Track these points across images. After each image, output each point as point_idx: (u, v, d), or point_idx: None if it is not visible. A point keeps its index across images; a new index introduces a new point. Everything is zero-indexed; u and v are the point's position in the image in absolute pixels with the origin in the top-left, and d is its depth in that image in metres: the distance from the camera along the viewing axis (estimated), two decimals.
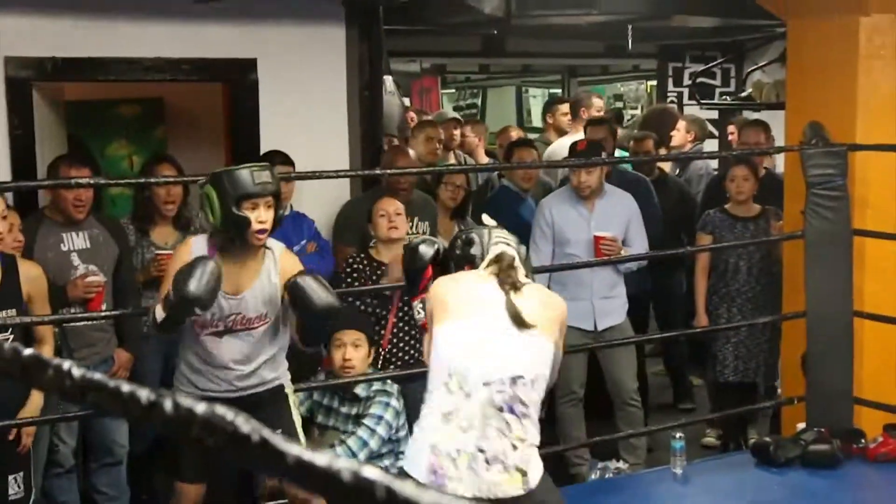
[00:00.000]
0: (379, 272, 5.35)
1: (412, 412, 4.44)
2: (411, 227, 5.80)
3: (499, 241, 3.43)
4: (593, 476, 5.45)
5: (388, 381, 4.86)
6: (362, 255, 5.42)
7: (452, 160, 7.68)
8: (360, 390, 4.77)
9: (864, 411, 5.28)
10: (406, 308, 5.21)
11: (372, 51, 6.25)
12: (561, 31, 8.56)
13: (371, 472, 0.70)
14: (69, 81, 6.25)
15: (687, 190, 7.36)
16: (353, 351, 4.73)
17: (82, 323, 4.97)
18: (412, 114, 8.99)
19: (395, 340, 5.31)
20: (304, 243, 5.59)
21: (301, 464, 0.71)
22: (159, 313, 3.84)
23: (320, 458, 0.71)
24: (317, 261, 5.56)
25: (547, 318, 3.31)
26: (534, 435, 3.22)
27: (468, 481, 3.10)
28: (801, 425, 5.22)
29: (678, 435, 5.42)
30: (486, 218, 3.61)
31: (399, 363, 5.29)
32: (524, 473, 3.16)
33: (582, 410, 5.92)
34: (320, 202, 5.91)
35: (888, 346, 5.35)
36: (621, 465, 5.80)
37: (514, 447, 3.16)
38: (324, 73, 6.07)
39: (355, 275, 5.35)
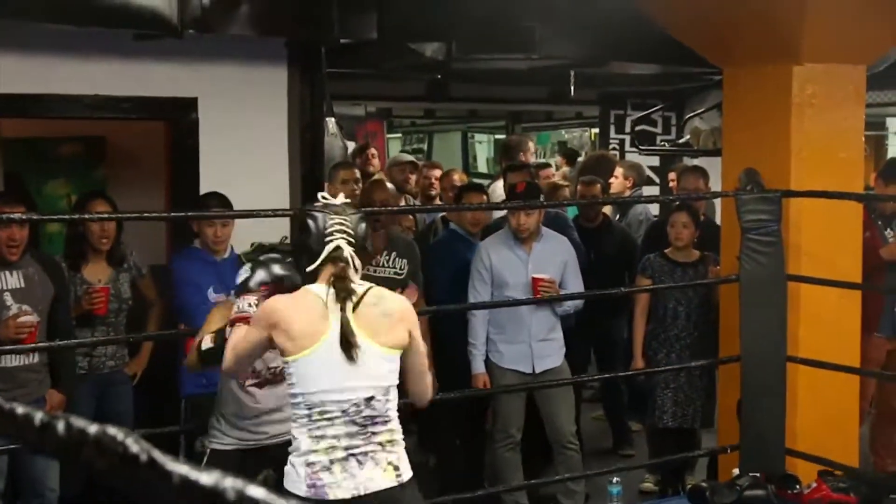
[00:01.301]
0: None
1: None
2: (389, 263, 5.82)
3: (335, 228, 3.47)
4: None
5: None
6: None
7: (403, 203, 7.70)
8: None
9: (798, 460, 5.33)
10: None
11: (314, 92, 6.27)
12: (503, 76, 8.64)
13: (256, 492, 0.70)
14: (6, 118, 6.20)
15: (630, 235, 7.43)
16: None
17: (14, 363, 4.90)
18: (373, 150, 9.02)
19: None
20: None
21: (187, 483, 0.71)
22: (207, 343, 3.82)
23: (206, 478, 0.71)
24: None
25: (388, 328, 3.44)
26: (398, 434, 3.48)
27: (345, 484, 3.33)
28: (736, 471, 5.26)
29: (615, 480, 5.44)
30: (326, 196, 3.61)
31: None
32: (396, 468, 3.42)
33: (519, 455, 5.92)
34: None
35: (823, 391, 5.42)
36: None
37: (382, 446, 3.41)
38: (265, 113, 6.07)
39: None
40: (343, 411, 3.37)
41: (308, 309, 3.39)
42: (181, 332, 5.38)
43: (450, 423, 6.32)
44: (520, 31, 6.55)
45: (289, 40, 6.04)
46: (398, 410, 3.50)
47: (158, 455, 0.74)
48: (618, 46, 6.94)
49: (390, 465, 3.41)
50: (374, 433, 3.40)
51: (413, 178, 8.12)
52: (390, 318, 3.46)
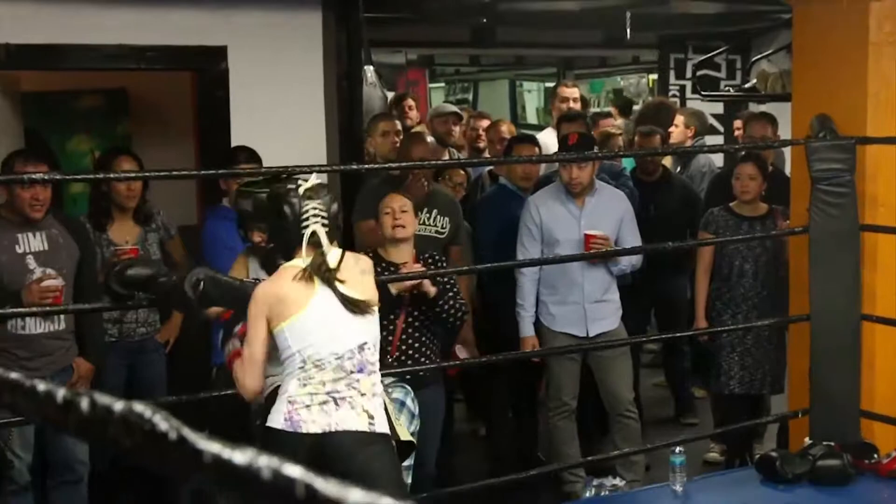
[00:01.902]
0: (389, 274, 5.29)
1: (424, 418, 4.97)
2: (430, 221, 5.81)
3: (310, 213, 3.81)
4: (588, 494, 5.45)
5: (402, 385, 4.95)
6: (371, 255, 5.37)
7: (447, 157, 7.67)
8: None
9: (876, 425, 5.28)
10: (416, 313, 5.19)
11: (351, 38, 6.25)
12: (554, 19, 8.56)
13: (291, 471, 0.69)
14: (25, 70, 6.24)
15: (693, 190, 7.35)
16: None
17: (40, 331, 4.95)
18: (410, 101, 8.96)
19: (403, 347, 5.26)
20: None
21: (219, 462, 0.70)
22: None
23: (239, 457, 0.70)
24: None
25: (367, 285, 3.92)
26: (379, 388, 3.89)
27: (319, 421, 3.73)
28: (808, 439, 5.22)
29: (678, 450, 5.42)
30: (300, 180, 3.90)
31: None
32: (371, 416, 3.81)
33: (575, 424, 5.92)
34: None
35: None
36: (618, 482, 5.80)
37: (363, 394, 3.81)
38: (299, 62, 6.07)
39: None
40: (337, 358, 3.78)
41: (291, 279, 3.78)
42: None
43: (500, 390, 6.33)
44: None
45: None
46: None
47: (188, 433, 0.73)
48: None
49: (365, 411, 3.79)
50: (356, 381, 3.80)
51: (457, 129, 8.05)
52: (366, 274, 3.95)
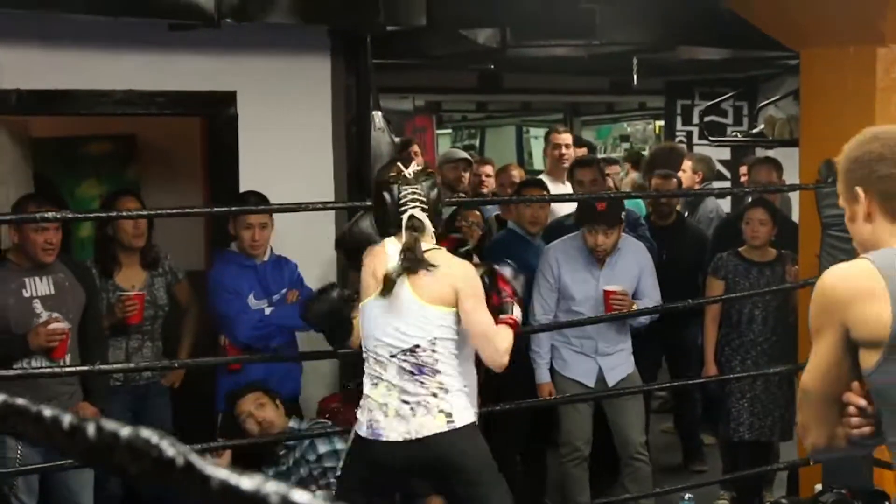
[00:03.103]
0: None
1: None
2: None
3: (408, 197, 3.98)
4: None
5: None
6: None
7: None
8: None
9: (886, 472, 5.23)
10: None
11: (359, 84, 6.27)
12: (561, 65, 8.59)
13: (300, 497, 0.68)
14: (34, 115, 6.26)
15: (704, 234, 7.34)
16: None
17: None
18: (416, 147, 8.97)
19: None
20: (284, 292, 5.53)
21: (227, 489, 0.69)
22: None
23: (247, 483, 0.69)
24: (297, 314, 5.51)
25: (435, 285, 3.95)
26: (451, 383, 3.94)
27: (398, 427, 3.89)
28: (819, 487, 5.18)
29: (688, 496, 5.38)
30: (400, 166, 4.07)
31: None
32: (448, 415, 3.90)
33: (587, 471, 5.88)
34: (304, 248, 5.87)
35: None
36: None
37: (435, 395, 3.91)
38: (308, 108, 6.08)
39: None
40: (392, 356, 3.92)
41: (378, 263, 4.00)
42: (225, 359, 5.41)
43: (510, 436, 6.29)
44: (579, 15, 6.50)
45: (332, 29, 6.05)
46: None
47: (196, 459, 0.72)
48: (684, 30, 6.87)
49: (441, 412, 3.89)
50: (423, 382, 3.90)
51: (466, 176, 8.07)
52: (434, 275, 3.95)
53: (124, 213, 5.28)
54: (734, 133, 9.76)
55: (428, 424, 3.88)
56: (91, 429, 0.76)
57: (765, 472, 6.20)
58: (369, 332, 4.00)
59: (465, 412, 3.96)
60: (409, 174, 4.01)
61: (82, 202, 7.32)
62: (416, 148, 8.99)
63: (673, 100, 10.61)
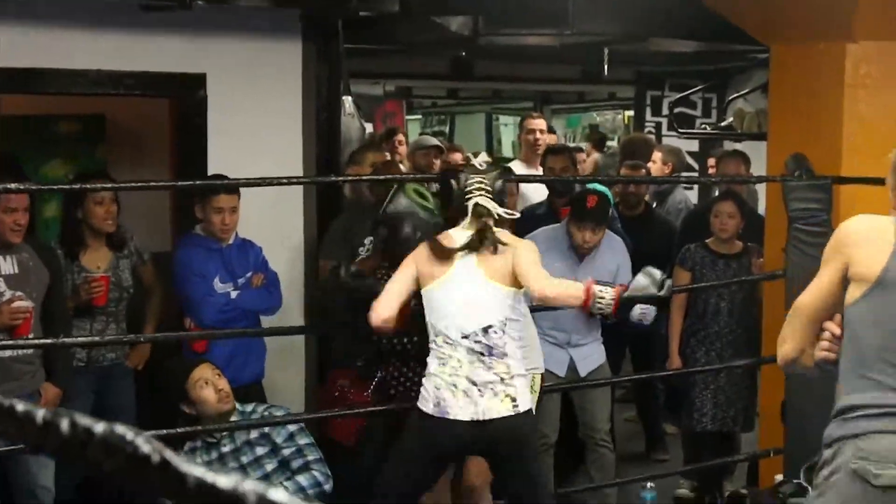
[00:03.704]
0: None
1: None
2: None
3: (474, 186, 4.18)
4: None
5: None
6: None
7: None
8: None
9: None
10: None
11: (331, 68, 6.25)
12: (533, 53, 8.60)
13: (278, 496, 0.68)
14: (3, 94, 6.20)
15: (672, 225, 7.36)
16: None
17: (7, 354, 4.90)
18: (401, 136, 8.98)
19: (392, 381, 5.28)
20: (249, 275, 5.52)
21: (203, 486, 0.69)
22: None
23: (224, 481, 0.69)
24: (264, 297, 5.51)
25: (501, 266, 4.12)
26: (516, 367, 4.13)
27: (467, 408, 4.06)
28: (779, 477, 5.22)
29: (649, 485, 5.41)
30: (470, 157, 4.37)
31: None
32: (514, 399, 4.09)
33: (552, 458, 5.89)
34: (268, 228, 5.85)
35: None
36: None
37: (501, 379, 4.09)
38: (278, 92, 6.06)
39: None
40: (464, 337, 4.09)
41: (449, 244, 4.15)
42: (191, 333, 5.38)
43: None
44: (551, 5, 6.51)
45: (304, 13, 6.02)
46: None
47: (172, 456, 0.72)
48: (656, 22, 6.89)
49: (507, 396, 4.08)
50: (492, 365, 4.08)
51: (438, 163, 8.07)
52: (502, 254, 4.15)
53: (88, 186, 5.23)
54: (703, 125, 9.81)
55: (495, 407, 4.07)
56: (65, 424, 0.76)
57: (726, 462, 6.24)
58: (440, 313, 4.15)
59: (526, 397, 4.17)
60: (479, 164, 4.24)
61: (48, 182, 7.25)
62: (400, 137, 9.00)
63: (643, 91, 10.64)
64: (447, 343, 4.13)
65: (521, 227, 6.10)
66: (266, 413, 4.78)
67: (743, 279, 5.95)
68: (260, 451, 4.69)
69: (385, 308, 4.16)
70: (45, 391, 5.08)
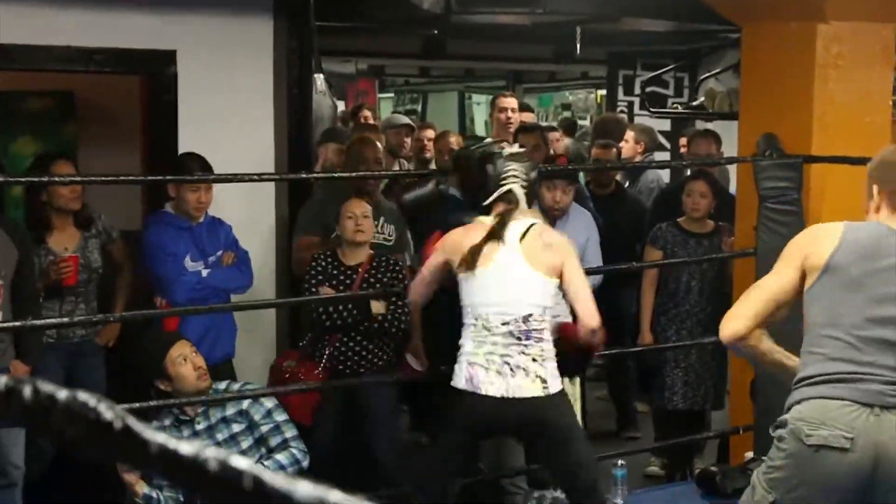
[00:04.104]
0: (345, 277, 5.36)
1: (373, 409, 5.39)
2: (377, 228, 5.84)
3: (509, 173, 4.27)
4: None
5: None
6: (328, 255, 5.41)
7: (396, 168, 7.66)
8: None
9: None
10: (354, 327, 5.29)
11: (302, 46, 6.22)
12: (505, 32, 8.59)
13: (239, 462, 0.68)
14: None
15: (643, 204, 7.39)
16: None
17: None
18: (367, 112, 8.94)
19: (338, 357, 5.35)
20: (219, 254, 5.50)
21: (166, 453, 0.69)
22: None
23: (186, 448, 0.69)
24: (235, 276, 5.49)
25: (547, 258, 4.24)
26: (549, 351, 4.24)
27: (497, 384, 4.16)
28: (750, 454, 5.26)
29: (620, 463, 5.44)
30: (504, 145, 4.40)
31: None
32: (544, 381, 4.19)
33: None
34: (240, 208, 5.83)
35: None
36: (559, 494, 5.80)
37: (534, 360, 4.20)
38: (249, 69, 6.03)
39: (320, 277, 5.34)
40: (504, 323, 4.18)
41: (478, 235, 4.24)
42: (163, 311, 5.36)
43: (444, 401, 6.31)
44: None
45: None
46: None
47: (134, 422, 0.72)
48: (628, 1, 6.89)
49: (538, 377, 4.18)
50: (527, 347, 4.18)
51: (409, 141, 8.06)
52: (549, 248, 4.26)
53: (56, 179, 5.19)
54: (675, 105, 9.83)
55: (526, 387, 4.17)
56: (27, 391, 0.76)
57: (696, 440, 6.27)
58: (481, 299, 4.23)
59: (556, 380, 4.26)
60: (518, 153, 4.34)
61: (17, 159, 7.20)
62: (366, 113, 8.97)
63: (615, 70, 10.64)
64: (486, 328, 4.22)
65: None
66: (243, 389, 4.77)
67: (714, 257, 5.98)
68: (236, 427, 4.68)
69: (414, 293, 4.52)
70: (14, 369, 5.05)
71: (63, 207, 5.41)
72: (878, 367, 3.22)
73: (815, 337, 3.31)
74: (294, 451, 4.66)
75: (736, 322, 3.37)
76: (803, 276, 3.36)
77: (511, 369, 4.18)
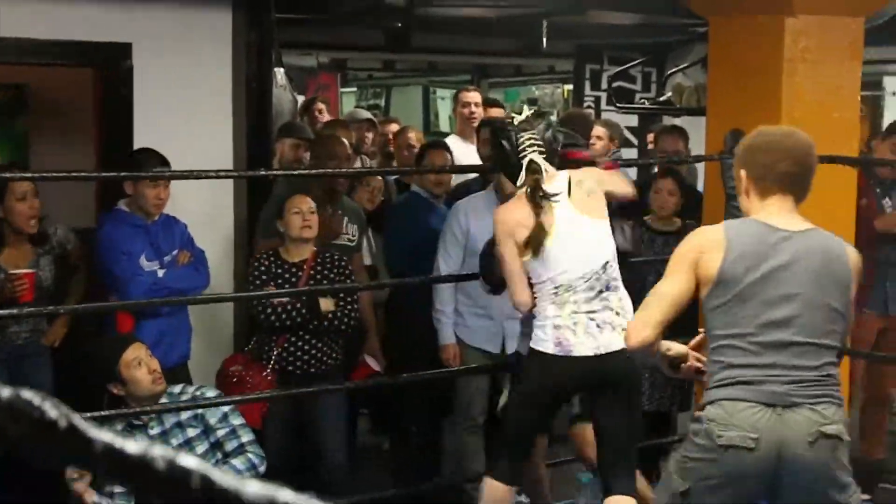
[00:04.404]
0: (290, 275, 5.35)
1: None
2: (342, 229, 5.86)
3: (526, 143, 4.42)
4: None
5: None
6: (270, 255, 5.40)
7: (358, 164, 7.65)
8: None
9: None
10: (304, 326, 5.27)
11: (262, 39, 6.21)
12: (470, 25, 8.60)
13: (187, 461, 0.68)
14: None
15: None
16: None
17: None
18: (320, 105, 8.89)
19: (287, 357, 5.34)
20: (175, 253, 5.47)
21: (111, 451, 0.69)
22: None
23: (132, 446, 0.69)
24: (192, 276, 5.47)
25: (595, 204, 4.45)
26: (626, 298, 4.45)
27: (588, 343, 4.36)
28: None
29: (585, 468, 5.46)
30: (513, 116, 4.32)
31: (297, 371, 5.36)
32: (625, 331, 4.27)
33: (482, 440, 5.92)
34: (197, 206, 5.81)
35: None
36: (523, 498, 5.83)
37: (617, 314, 4.40)
38: (207, 62, 6.01)
39: (264, 277, 5.33)
40: (586, 281, 4.36)
41: (523, 212, 4.40)
42: (112, 304, 5.32)
43: (404, 404, 6.32)
44: None
45: None
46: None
47: (80, 421, 0.72)
48: None
49: (623, 329, 4.20)
50: (607, 299, 4.39)
51: (370, 136, 8.05)
52: (593, 193, 4.46)
53: (6, 176, 5.13)
54: (642, 100, 9.86)
55: (615, 341, 4.34)
56: None
57: (663, 443, 6.30)
58: (556, 267, 4.38)
59: None
60: (525, 119, 4.33)
61: None
62: (320, 105, 8.93)
63: (582, 64, 10.65)
64: (568, 290, 4.38)
65: (451, 200, 6.15)
66: (198, 394, 4.75)
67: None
68: (191, 432, 4.67)
69: (525, 293, 4.46)
70: None
71: (19, 229, 5.32)
72: (777, 367, 3.49)
73: (718, 346, 3.58)
74: (251, 455, 4.65)
75: (645, 331, 3.60)
76: (695, 278, 3.59)
77: (598, 325, 4.38)
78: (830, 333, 3.56)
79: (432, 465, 6.30)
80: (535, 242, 4.38)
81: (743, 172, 3.67)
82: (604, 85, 10.31)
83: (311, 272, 5.39)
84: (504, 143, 4.50)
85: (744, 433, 3.46)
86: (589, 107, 10.29)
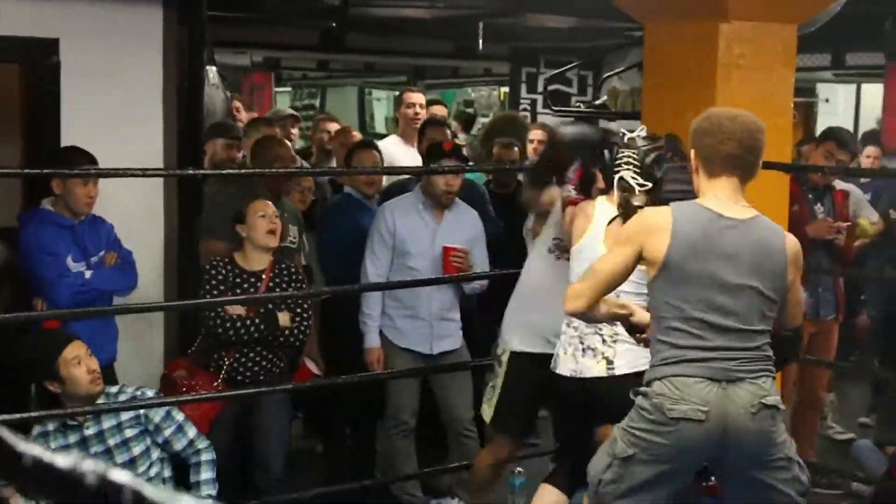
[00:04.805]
0: (248, 285, 5.31)
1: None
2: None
3: (623, 160, 4.53)
4: None
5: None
6: (227, 262, 5.35)
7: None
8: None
9: None
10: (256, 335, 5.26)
11: (193, 36, 6.17)
12: (405, 26, 8.60)
13: (119, 476, 0.68)
14: None
15: None
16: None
17: None
18: (237, 103, 8.84)
19: (237, 366, 5.34)
20: (102, 254, 5.41)
21: (40, 466, 0.69)
22: None
23: (62, 461, 0.69)
24: (119, 277, 5.41)
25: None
26: (624, 334, 4.34)
27: (568, 365, 4.56)
28: None
29: (518, 470, 5.49)
30: (624, 131, 4.67)
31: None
32: (610, 362, 4.48)
33: (413, 442, 5.93)
34: (126, 205, 5.76)
35: None
36: (455, 502, 5.85)
37: (604, 341, 4.49)
38: (137, 60, 5.96)
39: (222, 287, 5.27)
40: None
41: (584, 217, 4.65)
42: (40, 314, 5.25)
43: (338, 407, 6.31)
44: None
45: None
46: None
47: (8, 434, 0.71)
48: None
49: (605, 358, 4.48)
50: (600, 329, 4.47)
51: (295, 132, 8.09)
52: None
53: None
54: (578, 103, 9.92)
55: (590, 367, 4.49)
56: None
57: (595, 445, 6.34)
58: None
59: (627, 363, 4.45)
60: (633, 138, 4.54)
61: None
62: (237, 104, 8.88)
63: (518, 67, 10.72)
64: None
65: (384, 200, 6.17)
66: (138, 394, 4.71)
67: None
68: (129, 433, 4.64)
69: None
70: None
71: None
72: (722, 349, 3.73)
73: (664, 329, 3.78)
74: (203, 452, 4.68)
75: (578, 301, 3.82)
76: (638, 257, 3.79)
77: (582, 350, 4.52)
78: (766, 319, 3.80)
79: (365, 468, 6.30)
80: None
81: (693, 152, 3.90)
82: (540, 88, 10.38)
83: (270, 283, 5.36)
84: (606, 153, 4.68)
85: (695, 406, 3.68)
86: (525, 109, 10.36)
